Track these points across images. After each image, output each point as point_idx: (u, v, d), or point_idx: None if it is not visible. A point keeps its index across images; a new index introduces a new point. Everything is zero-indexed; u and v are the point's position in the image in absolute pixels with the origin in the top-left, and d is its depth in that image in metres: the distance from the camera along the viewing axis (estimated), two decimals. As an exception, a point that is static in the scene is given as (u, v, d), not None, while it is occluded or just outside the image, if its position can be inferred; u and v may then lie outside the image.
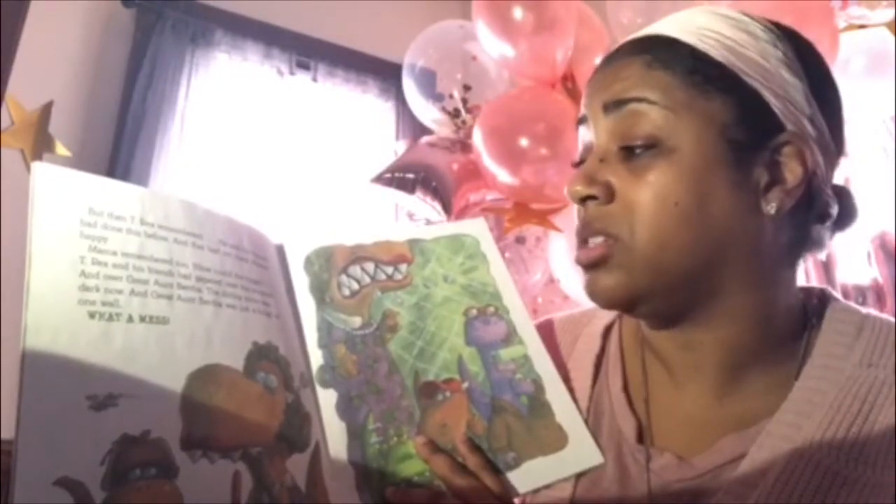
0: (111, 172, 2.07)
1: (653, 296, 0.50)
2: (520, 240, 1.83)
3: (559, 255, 1.64)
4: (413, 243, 0.61)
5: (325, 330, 0.54)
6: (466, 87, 1.80)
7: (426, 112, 1.88)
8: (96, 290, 0.39)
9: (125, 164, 2.09)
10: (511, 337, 0.58)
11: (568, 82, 1.61)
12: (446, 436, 0.52)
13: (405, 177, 1.76)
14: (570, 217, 1.62)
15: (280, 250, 0.56)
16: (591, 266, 0.51)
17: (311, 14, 2.52)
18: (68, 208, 0.41)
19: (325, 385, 0.52)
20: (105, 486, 0.35)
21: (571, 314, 0.67)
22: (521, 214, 1.62)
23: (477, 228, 0.64)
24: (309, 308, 0.55)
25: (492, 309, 0.59)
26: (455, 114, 1.81)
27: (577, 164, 0.55)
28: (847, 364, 0.49)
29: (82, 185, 0.43)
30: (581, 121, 0.54)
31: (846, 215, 0.54)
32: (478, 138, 1.59)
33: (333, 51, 2.57)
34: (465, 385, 0.54)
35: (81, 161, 2.04)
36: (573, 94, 1.60)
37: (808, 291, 0.56)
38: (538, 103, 1.59)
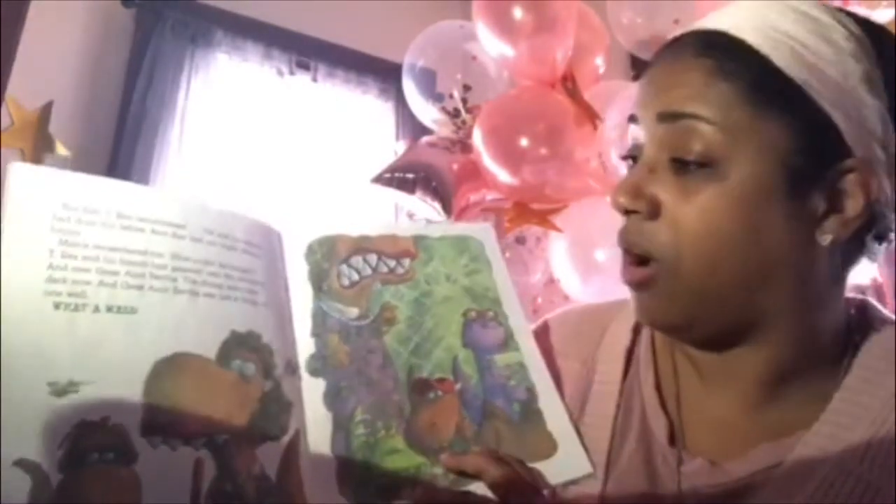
0: (111, 172, 2.07)
1: (698, 322, 0.49)
2: (520, 240, 1.83)
3: (559, 255, 1.64)
4: (418, 239, 0.61)
5: (320, 319, 0.53)
6: (466, 87, 1.80)
7: (426, 112, 1.88)
8: (63, 282, 0.41)
9: (125, 164, 2.09)
10: (508, 343, 0.58)
11: (568, 82, 1.61)
12: (435, 435, 0.51)
13: (405, 177, 1.76)
14: (571, 217, 1.62)
15: (280, 237, 0.56)
16: (636, 287, 0.50)
17: (311, 14, 2.52)
18: (40, 204, 0.42)
19: (315, 374, 0.51)
20: (62, 468, 0.37)
21: (595, 306, 0.65)
22: (521, 214, 1.62)
23: (483, 233, 0.64)
24: (305, 296, 0.54)
25: (491, 313, 0.59)
26: (455, 114, 1.81)
27: (625, 158, 0.53)
28: (889, 379, 0.48)
29: (57, 181, 0.44)
30: (633, 119, 0.51)
31: None
32: (478, 138, 1.59)
33: (333, 51, 2.57)
34: (458, 386, 0.54)
35: (81, 161, 2.04)
36: (573, 94, 1.60)
37: (847, 302, 0.54)
38: (538, 103, 1.59)
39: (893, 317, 0.54)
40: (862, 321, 0.53)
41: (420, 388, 0.53)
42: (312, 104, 2.55)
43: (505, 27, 1.54)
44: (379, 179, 1.81)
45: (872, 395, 0.48)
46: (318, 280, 0.55)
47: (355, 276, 0.57)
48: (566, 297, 1.68)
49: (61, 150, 2.07)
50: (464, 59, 1.80)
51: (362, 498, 0.48)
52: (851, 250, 0.49)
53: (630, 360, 0.58)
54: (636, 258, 0.49)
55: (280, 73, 2.50)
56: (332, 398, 0.51)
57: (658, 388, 0.56)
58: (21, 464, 0.36)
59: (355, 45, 2.60)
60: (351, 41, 2.59)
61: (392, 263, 0.58)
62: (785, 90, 0.45)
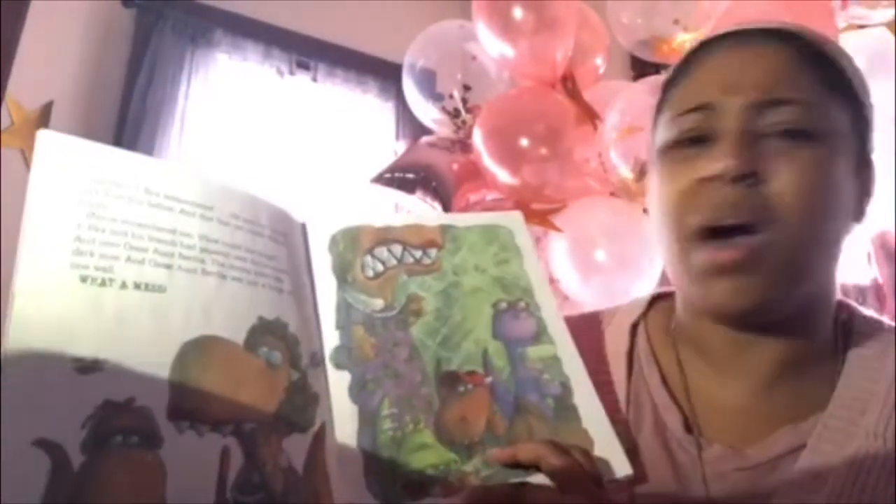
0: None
1: (786, 301, 0.50)
2: (520, 240, 1.82)
3: (559, 255, 1.64)
4: (445, 229, 0.59)
5: (344, 310, 0.52)
6: (466, 87, 1.80)
7: (426, 112, 1.88)
8: (90, 255, 0.39)
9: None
10: (541, 335, 0.55)
11: (568, 82, 1.61)
12: (465, 430, 0.49)
13: (405, 177, 1.76)
14: (571, 217, 1.62)
15: (303, 228, 0.54)
16: (730, 270, 0.49)
17: (311, 14, 2.52)
18: (68, 175, 0.41)
19: (340, 367, 0.49)
20: (84, 450, 0.35)
21: (587, 315, 0.67)
22: (521, 214, 1.62)
23: (512, 220, 0.62)
24: (329, 288, 0.53)
25: (523, 304, 0.56)
26: (455, 114, 1.81)
27: (683, 144, 0.53)
28: (887, 364, 0.52)
29: (86, 153, 0.43)
30: (703, 107, 0.52)
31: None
32: (478, 138, 1.59)
33: (333, 51, 2.57)
34: (489, 379, 0.52)
35: (81, 161, 2.04)
36: (573, 94, 1.60)
37: None
38: (538, 103, 1.59)
39: (870, 313, 0.58)
40: (847, 323, 0.56)
41: (449, 381, 0.51)
42: (312, 104, 2.55)
43: (505, 27, 1.54)
44: (379, 179, 1.81)
45: (876, 379, 0.51)
46: (342, 271, 0.54)
47: (380, 267, 0.55)
48: (566, 297, 1.68)
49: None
50: (464, 59, 1.80)
51: (389, 495, 0.46)
52: (849, 233, 0.55)
53: (631, 361, 0.59)
54: (730, 233, 0.49)
55: (280, 73, 2.50)
56: (358, 391, 0.49)
57: (665, 383, 0.57)
58: (41, 444, 0.34)
59: (355, 45, 2.60)
60: (351, 41, 2.59)
61: (418, 254, 0.57)
62: (842, 81, 0.52)
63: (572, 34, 1.56)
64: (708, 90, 0.52)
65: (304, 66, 2.54)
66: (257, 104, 2.44)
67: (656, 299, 0.64)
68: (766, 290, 0.49)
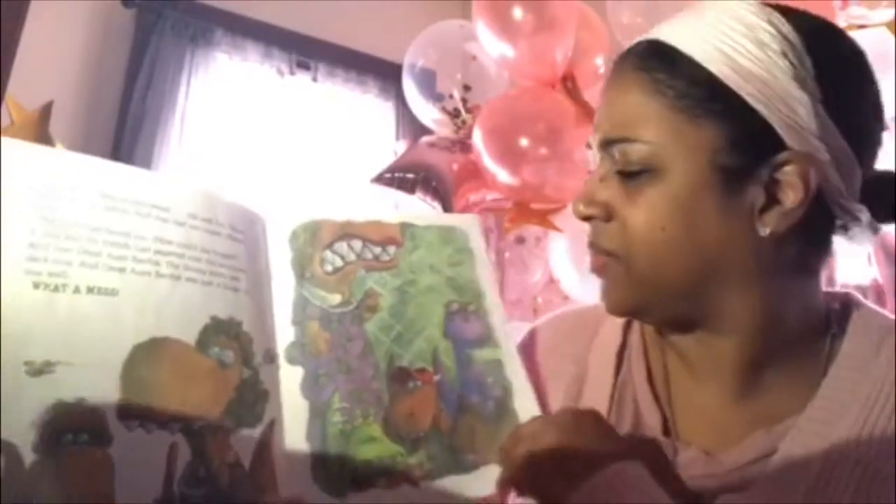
0: None
1: (654, 308, 0.53)
2: (520, 240, 1.83)
3: (559, 255, 1.64)
4: (405, 227, 0.60)
5: (301, 306, 0.53)
6: (466, 87, 1.80)
7: (426, 112, 1.88)
8: (44, 261, 0.40)
9: (125, 163, 2.09)
10: (487, 339, 0.57)
11: (568, 82, 1.61)
12: (412, 425, 0.51)
13: (405, 177, 1.76)
14: (570, 217, 1.62)
15: (262, 223, 0.55)
16: (598, 274, 0.54)
17: (311, 14, 2.52)
18: (23, 180, 0.42)
19: (293, 362, 0.50)
20: (36, 448, 0.37)
21: (585, 308, 0.67)
22: (521, 214, 1.62)
23: (468, 223, 0.63)
24: (287, 283, 0.53)
25: (473, 307, 0.58)
26: (455, 114, 1.81)
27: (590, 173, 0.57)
28: (875, 365, 0.50)
29: (42, 158, 0.44)
30: (590, 142, 0.56)
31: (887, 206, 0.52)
32: (478, 138, 1.59)
33: (333, 51, 2.58)
34: (437, 377, 0.53)
35: (81, 161, 2.04)
36: (573, 94, 1.60)
37: (830, 296, 0.57)
38: (538, 103, 1.59)
39: (875, 308, 0.56)
40: (843, 312, 0.55)
41: (400, 377, 0.52)
42: (312, 104, 2.55)
43: (505, 27, 1.54)
44: (379, 179, 1.81)
45: (859, 381, 0.50)
46: (301, 266, 0.54)
47: (339, 262, 0.56)
48: (566, 297, 1.68)
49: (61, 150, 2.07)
50: (464, 59, 1.80)
51: (336, 486, 0.47)
52: (813, 241, 0.52)
53: (622, 358, 0.60)
54: (600, 253, 0.53)
55: (280, 73, 2.50)
56: (310, 386, 0.50)
57: (650, 382, 0.57)
58: None
59: (355, 45, 2.60)
60: (351, 41, 2.59)
61: (377, 250, 0.57)
62: (713, 93, 0.48)
63: (572, 34, 1.56)
64: (594, 123, 0.55)
65: (304, 66, 2.54)
66: (257, 104, 2.44)
67: None
68: (626, 296, 0.53)
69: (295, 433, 0.48)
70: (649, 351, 0.59)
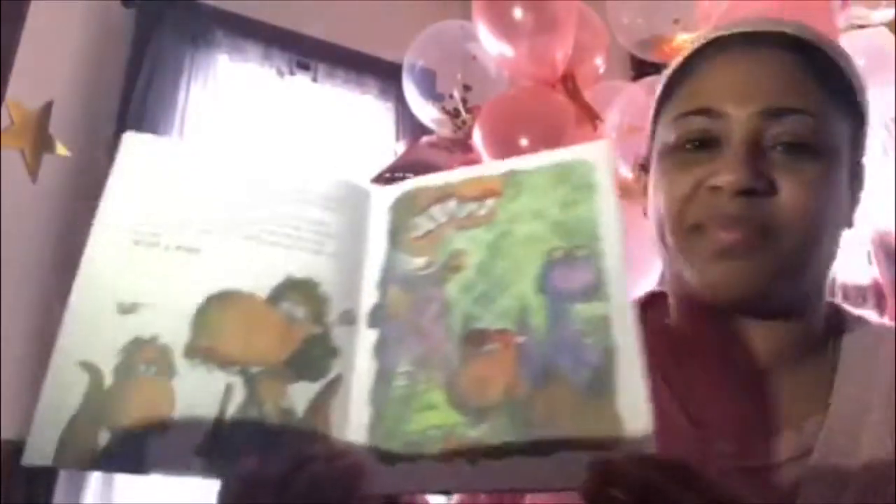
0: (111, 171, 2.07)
1: (780, 292, 0.52)
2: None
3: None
4: (508, 176, 0.53)
5: (388, 270, 0.53)
6: (466, 87, 1.80)
7: (426, 112, 1.88)
8: (146, 224, 0.50)
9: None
10: (595, 289, 0.46)
11: (568, 82, 1.61)
12: (480, 393, 0.45)
13: (405, 177, 1.76)
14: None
15: (367, 195, 0.57)
16: (734, 254, 0.50)
17: (311, 14, 2.52)
18: (139, 169, 0.54)
19: (372, 325, 0.51)
20: (116, 375, 0.45)
21: None
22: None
23: (595, 154, 0.53)
24: (380, 250, 0.54)
25: (583, 251, 0.48)
26: (455, 114, 1.81)
27: (685, 147, 0.54)
28: (877, 364, 0.52)
29: (155, 148, 0.55)
30: (708, 111, 0.53)
31: None
32: (478, 138, 1.59)
33: (333, 51, 2.57)
34: (520, 340, 0.46)
35: (81, 161, 2.04)
36: (573, 94, 1.60)
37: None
38: (538, 103, 1.59)
39: (861, 313, 0.59)
40: (836, 317, 0.57)
41: (475, 339, 0.47)
42: (312, 104, 2.55)
43: (505, 27, 1.54)
44: (379, 179, 1.81)
45: (870, 381, 0.52)
46: (395, 234, 0.54)
47: (430, 226, 0.54)
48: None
49: (61, 150, 2.07)
50: (464, 59, 1.80)
51: (386, 453, 0.45)
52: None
53: None
54: (753, 229, 0.51)
55: (280, 73, 2.50)
56: (382, 349, 0.50)
57: (664, 378, 0.57)
58: (84, 365, 0.45)
59: (355, 45, 2.60)
60: (351, 41, 2.59)
61: (472, 206, 0.53)
62: (850, 96, 0.54)
63: (572, 34, 1.56)
64: (715, 94, 0.53)
65: (304, 66, 2.54)
66: (257, 105, 2.44)
67: (651, 297, 0.64)
68: (765, 277, 0.50)
69: (361, 392, 0.49)
70: (655, 348, 0.59)
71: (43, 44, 2.00)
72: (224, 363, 0.47)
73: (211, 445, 0.45)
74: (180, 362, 0.46)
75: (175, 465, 0.45)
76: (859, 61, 0.58)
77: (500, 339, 0.47)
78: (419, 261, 0.52)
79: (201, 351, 0.47)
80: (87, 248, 0.49)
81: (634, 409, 0.42)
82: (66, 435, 0.44)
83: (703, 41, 0.57)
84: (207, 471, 0.45)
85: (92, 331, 0.46)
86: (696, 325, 0.57)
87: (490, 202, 0.52)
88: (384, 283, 0.52)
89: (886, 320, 0.59)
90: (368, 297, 0.52)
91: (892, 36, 1.33)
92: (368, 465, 0.45)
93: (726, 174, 0.50)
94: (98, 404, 0.45)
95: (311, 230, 0.52)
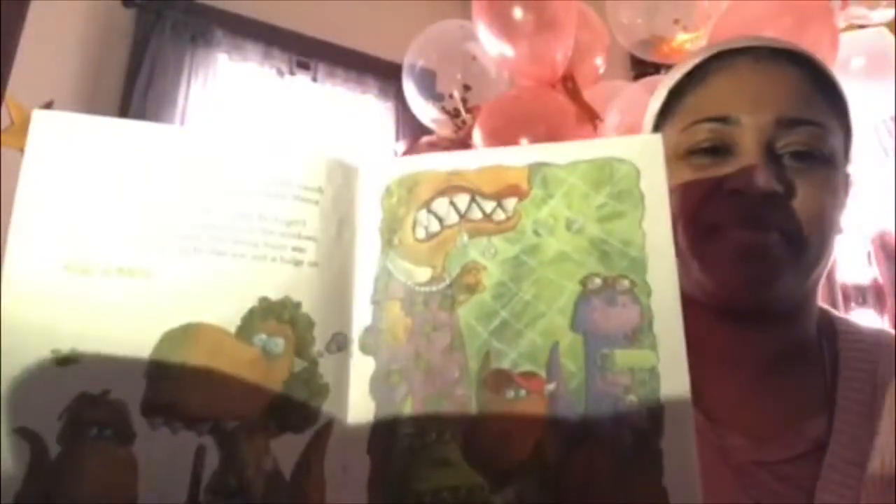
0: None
1: (791, 293, 0.54)
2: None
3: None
4: (535, 169, 0.43)
5: (384, 281, 0.42)
6: (466, 87, 1.80)
7: (426, 112, 1.88)
8: (75, 240, 0.39)
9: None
10: (641, 334, 0.39)
11: (568, 82, 1.61)
12: (504, 450, 0.38)
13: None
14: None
15: (353, 175, 0.44)
16: (754, 256, 0.51)
17: (311, 14, 2.52)
18: (57, 156, 0.40)
19: (366, 351, 0.41)
20: (60, 441, 0.36)
21: None
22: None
23: (641, 149, 0.42)
24: (372, 252, 0.43)
25: (626, 283, 0.40)
26: (455, 114, 1.81)
27: (696, 153, 0.55)
28: (877, 362, 0.54)
29: (80, 130, 0.41)
30: (723, 118, 0.54)
31: None
32: (478, 138, 1.59)
33: (333, 51, 2.57)
34: (551, 387, 0.39)
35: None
36: (573, 94, 1.60)
37: None
38: (538, 103, 1.59)
39: (842, 315, 0.61)
40: (825, 320, 0.59)
41: (496, 382, 0.39)
42: (312, 104, 2.55)
43: (505, 27, 1.54)
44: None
45: (869, 378, 0.53)
46: (390, 232, 0.43)
47: (435, 226, 0.43)
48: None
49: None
50: (464, 59, 1.80)
51: None
52: None
53: None
54: (773, 231, 0.52)
55: (280, 73, 2.50)
56: (380, 384, 0.41)
57: None
58: (21, 432, 0.36)
59: (355, 45, 2.60)
60: (351, 41, 2.59)
61: (489, 206, 0.43)
62: (845, 107, 0.56)
63: (572, 34, 1.56)
64: (729, 102, 0.54)
65: (304, 66, 2.54)
66: (257, 104, 2.44)
67: None
68: (781, 279, 0.52)
69: (356, 440, 0.40)
70: None
71: (43, 44, 2.00)
72: (191, 420, 0.38)
73: None
74: (139, 422, 0.37)
75: None
76: (859, 61, 0.59)
77: (528, 384, 0.39)
78: (422, 272, 0.42)
79: (162, 407, 0.37)
80: (4, 279, 0.37)
81: (683, 484, 0.37)
82: None
83: (705, 55, 0.58)
84: None
85: (26, 388, 0.36)
86: (699, 325, 0.57)
87: (511, 203, 0.42)
88: (379, 299, 0.42)
89: (886, 320, 0.60)
90: (361, 316, 0.42)
91: (892, 36, 1.33)
92: None
93: (748, 178, 0.51)
94: (45, 479, 0.36)
95: (285, 234, 0.41)
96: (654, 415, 0.37)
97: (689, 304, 0.57)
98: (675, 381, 0.38)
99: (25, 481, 0.35)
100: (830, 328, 0.58)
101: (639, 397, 0.38)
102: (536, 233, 0.42)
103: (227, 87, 2.39)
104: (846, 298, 1.86)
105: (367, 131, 2.64)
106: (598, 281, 0.40)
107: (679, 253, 0.55)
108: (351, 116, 2.62)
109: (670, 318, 0.39)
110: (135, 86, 2.17)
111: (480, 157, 0.44)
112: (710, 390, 0.56)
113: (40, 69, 2.00)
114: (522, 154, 0.44)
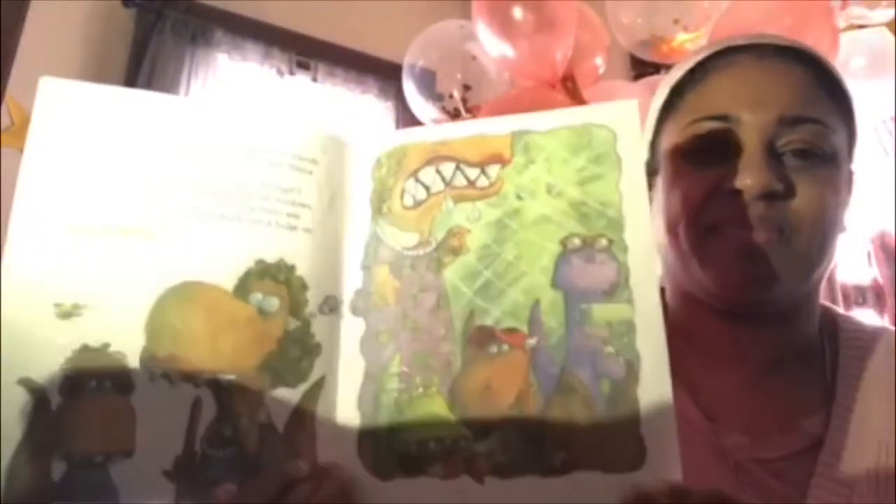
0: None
1: (787, 293, 0.53)
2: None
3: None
4: (518, 137, 0.45)
5: (374, 247, 0.44)
6: (466, 87, 1.80)
7: (426, 112, 1.88)
8: (80, 200, 0.40)
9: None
10: (618, 289, 0.41)
11: (568, 82, 1.61)
12: (487, 402, 0.40)
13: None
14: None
15: (343, 148, 0.47)
16: (754, 256, 0.51)
17: (311, 14, 2.52)
18: (63, 121, 0.42)
19: (357, 313, 0.43)
20: (62, 392, 0.38)
21: None
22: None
23: (618, 115, 0.45)
24: (362, 220, 0.45)
25: (604, 241, 0.42)
26: (455, 114, 1.81)
27: (697, 151, 0.55)
28: (876, 361, 0.54)
29: (86, 98, 0.43)
30: (724, 117, 0.53)
31: None
32: (478, 138, 1.59)
33: (333, 51, 2.57)
34: (533, 341, 0.41)
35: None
36: (573, 94, 1.60)
37: None
38: (538, 103, 1.59)
39: (845, 313, 0.61)
40: (827, 317, 0.59)
41: (480, 338, 0.42)
42: (312, 104, 2.55)
43: (505, 27, 1.54)
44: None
45: (869, 377, 0.53)
46: (380, 200, 0.45)
47: (422, 194, 0.45)
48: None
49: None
50: (464, 59, 1.80)
51: (381, 465, 0.40)
52: None
53: None
54: (772, 230, 0.52)
55: (280, 73, 2.50)
56: (369, 344, 0.43)
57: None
58: (24, 382, 0.37)
59: (355, 45, 2.60)
60: (351, 41, 2.59)
61: (473, 173, 0.45)
62: (850, 106, 0.55)
63: (572, 34, 1.56)
64: (731, 100, 0.54)
65: (304, 66, 2.54)
66: (257, 104, 2.44)
67: None
68: (782, 278, 0.51)
69: (347, 396, 0.42)
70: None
71: (43, 44, 2.00)
72: (189, 373, 0.39)
73: (182, 471, 0.38)
74: (138, 374, 0.39)
75: (143, 494, 0.38)
76: (859, 61, 0.59)
77: (510, 339, 0.41)
78: (409, 237, 0.44)
79: (161, 360, 0.39)
80: (9, 238, 0.38)
81: (659, 429, 0.38)
82: (13, 467, 0.36)
83: (707, 52, 0.58)
84: (180, 499, 0.39)
85: (28, 341, 0.38)
86: (699, 324, 0.57)
87: (495, 169, 0.45)
88: (369, 263, 0.44)
89: (886, 320, 0.59)
90: (352, 280, 0.44)
91: (892, 36, 1.33)
92: (360, 483, 0.40)
93: (747, 177, 0.51)
94: (46, 429, 0.37)
95: (281, 200, 0.43)
96: (630, 365, 0.40)
97: (690, 302, 0.57)
98: (650, 332, 0.40)
99: (27, 431, 0.37)
100: (833, 326, 0.58)
101: (616, 349, 0.40)
102: (519, 197, 0.44)
103: (227, 86, 2.39)
104: (846, 298, 1.87)
105: (367, 131, 2.64)
106: (577, 241, 0.43)
107: (680, 252, 0.55)
108: (351, 116, 2.62)
109: (646, 273, 0.41)
110: (135, 85, 2.17)
111: (465, 128, 0.47)
112: (710, 388, 0.56)
113: (40, 69, 2.00)
114: (505, 123, 0.46)
